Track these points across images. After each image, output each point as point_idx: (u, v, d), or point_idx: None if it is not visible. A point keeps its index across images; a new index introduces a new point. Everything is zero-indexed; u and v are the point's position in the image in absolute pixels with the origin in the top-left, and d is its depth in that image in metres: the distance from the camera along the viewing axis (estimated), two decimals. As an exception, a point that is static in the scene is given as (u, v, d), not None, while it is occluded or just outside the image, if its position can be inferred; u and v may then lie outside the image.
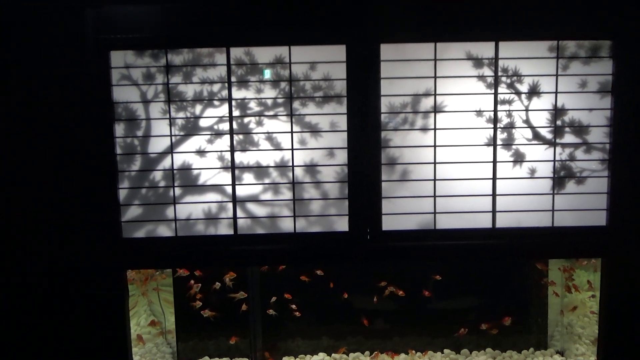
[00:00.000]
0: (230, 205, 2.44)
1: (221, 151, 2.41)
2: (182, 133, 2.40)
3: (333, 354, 2.90)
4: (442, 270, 2.85)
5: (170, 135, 2.39)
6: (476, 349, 2.93)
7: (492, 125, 2.42)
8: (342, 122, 2.41)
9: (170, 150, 2.40)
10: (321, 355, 2.90)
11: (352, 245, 2.46)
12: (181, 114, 2.39)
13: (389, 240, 2.46)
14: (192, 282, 2.77)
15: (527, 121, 2.43)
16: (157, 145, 2.40)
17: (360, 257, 2.49)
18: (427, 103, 2.41)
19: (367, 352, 2.92)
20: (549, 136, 2.44)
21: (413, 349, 2.91)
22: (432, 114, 2.42)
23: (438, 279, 2.83)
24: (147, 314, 3.19)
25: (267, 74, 2.37)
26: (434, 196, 2.45)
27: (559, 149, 2.45)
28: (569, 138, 2.44)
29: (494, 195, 2.46)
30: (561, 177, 2.46)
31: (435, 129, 2.42)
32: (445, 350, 2.92)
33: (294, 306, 2.81)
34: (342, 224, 2.46)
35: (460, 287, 2.90)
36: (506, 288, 2.92)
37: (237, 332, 2.82)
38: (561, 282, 3.00)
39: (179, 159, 2.41)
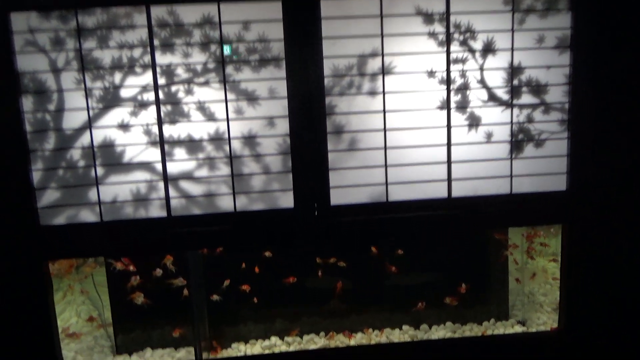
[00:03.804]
0: (161, 185, 2.20)
1: (147, 124, 2.16)
2: (100, 105, 2.13)
3: (286, 338, 2.74)
4: (397, 244, 2.70)
5: (88, 109, 2.12)
6: (436, 323, 2.81)
7: (445, 87, 2.24)
8: (282, 88, 2.18)
9: (89, 125, 2.13)
10: (273, 339, 2.73)
11: (299, 222, 2.27)
12: (98, 84, 2.11)
13: (339, 215, 2.27)
14: (131, 267, 2.54)
15: (482, 81, 2.25)
16: (73, 120, 2.13)
17: (308, 235, 2.30)
18: (374, 64, 2.20)
19: (322, 333, 2.77)
20: (505, 97, 2.27)
21: (370, 327, 2.78)
22: (380, 76, 2.21)
23: (399, 254, 2.68)
24: (86, 305, 2.96)
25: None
26: (385, 166, 2.27)
27: (516, 111, 2.29)
28: (526, 98, 2.28)
29: (449, 162, 2.29)
30: (519, 140, 2.31)
31: (384, 92, 2.22)
32: (404, 327, 2.80)
33: (245, 289, 2.61)
34: (286, 200, 2.26)
35: (417, 261, 2.76)
36: (465, 259, 2.79)
37: (180, 321, 2.62)
38: (522, 249, 2.90)
39: (99, 135, 2.14)
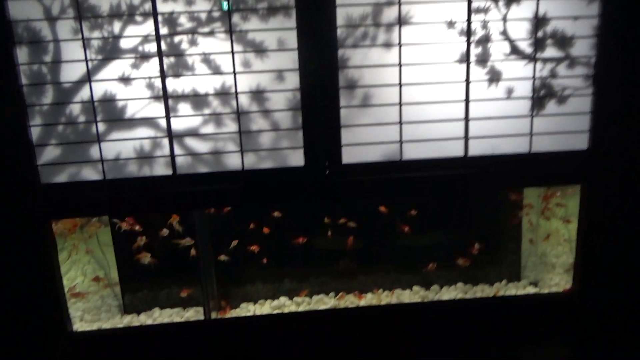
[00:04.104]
0: (165, 141, 2.11)
1: (150, 77, 2.04)
2: (100, 57, 2.01)
3: (295, 298, 2.71)
4: (410, 203, 2.62)
5: (86, 60, 2.00)
6: (447, 284, 2.78)
7: (465, 39, 2.10)
8: (292, 39, 2.05)
9: (88, 77, 2.01)
10: (282, 299, 2.70)
11: (309, 181, 2.18)
12: (97, 34, 1.98)
13: (350, 174, 2.19)
14: (136, 227, 2.48)
15: (504, 33, 2.12)
16: (71, 72, 2.01)
17: (319, 194, 2.21)
18: (390, 14, 2.06)
19: (332, 294, 2.74)
20: (528, 50, 2.14)
21: (380, 288, 2.74)
22: (397, 27, 2.07)
23: (411, 214, 2.61)
24: (91, 265, 2.92)
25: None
26: (400, 123, 2.16)
27: (539, 65, 2.16)
28: (550, 52, 2.15)
29: (466, 119, 2.19)
30: (541, 96, 2.19)
31: (400, 44, 2.09)
32: (414, 287, 2.76)
33: (254, 250, 2.56)
34: (296, 158, 2.17)
35: (429, 221, 2.69)
36: (478, 219, 2.72)
37: (189, 281, 2.58)
38: (537, 209, 2.82)
39: (99, 89, 2.03)
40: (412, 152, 2.20)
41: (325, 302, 2.69)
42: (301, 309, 2.66)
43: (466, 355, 2.28)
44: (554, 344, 2.39)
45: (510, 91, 2.18)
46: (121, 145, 2.09)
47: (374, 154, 2.19)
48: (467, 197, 2.68)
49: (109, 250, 2.64)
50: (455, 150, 2.22)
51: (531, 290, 2.73)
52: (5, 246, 2.12)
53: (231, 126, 2.12)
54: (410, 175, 2.22)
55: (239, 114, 2.11)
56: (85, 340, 2.33)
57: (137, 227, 2.47)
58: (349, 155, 2.18)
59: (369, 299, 2.70)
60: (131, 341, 2.35)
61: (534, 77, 2.17)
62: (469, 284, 2.78)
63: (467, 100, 2.17)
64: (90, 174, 2.10)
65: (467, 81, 2.15)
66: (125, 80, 2.03)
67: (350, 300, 2.69)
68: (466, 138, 2.21)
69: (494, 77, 2.16)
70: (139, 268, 2.50)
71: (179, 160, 2.13)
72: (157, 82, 2.04)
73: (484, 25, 2.10)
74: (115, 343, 2.34)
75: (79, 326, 2.54)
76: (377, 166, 2.20)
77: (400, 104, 2.15)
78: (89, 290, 2.82)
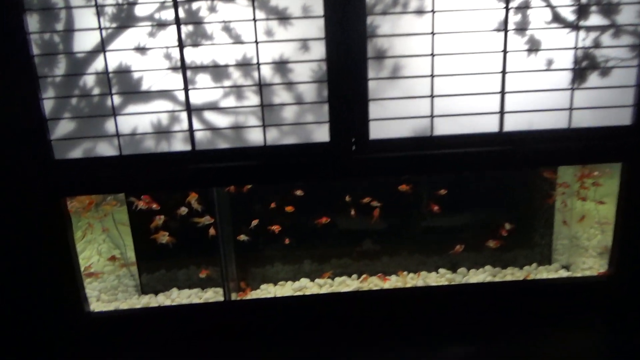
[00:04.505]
0: (184, 115, 2.00)
1: (167, 47, 1.93)
2: (114, 25, 1.89)
3: (317, 280, 2.62)
4: (437, 182, 2.51)
5: (100, 29, 1.89)
6: (474, 267, 2.67)
7: (504, 5, 1.96)
8: (318, 5, 1.92)
9: (102, 47, 1.91)
10: (303, 281, 2.62)
11: (335, 157, 2.08)
12: (111, 0, 1.87)
13: (378, 150, 2.08)
14: (153, 206, 2.39)
15: (546, -2, 1.97)
16: (84, 41, 1.90)
17: (344, 172, 2.11)
18: (423, -22, 1.92)
19: (354, 276, 2.64)
20: (571, 17, 1.99)
21: (405, 270, 2.64)
22: (430, -8, 1.94)
23: (441, 194, 2.49)
24: (107, 244, 2.85)
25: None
26: (431, 96, 2.04)
27: (582, 34, 2.01)
28: (594, 19, 2.00)
29: (502, 93, 2.05)
30: (582, 68, 2.05)
31: (433, 11, 1.95)
32: (440, 270, 2.66)
33: (275, 230, 2.47)
34: (321, 134, 2.06)
35: (457, 200, 2.56)
36: (508, 199, 2.60)
37: (208, 261, 2.50)
38: (571, 189, 2.68)
39: (113, 59, 1.92)
40: (444, 128, 2.08)
41: (348, 284, 2.60)
42: (323, 290, 2.57)
43: (495, 341, 2.18)
44: (588, 329, 2.29)
45: (550, 62, 2.04)
46: (138, 120, 1.99)
47: (403, 130, 2.07)
48: (497, 175, 2.55)
49: (125, 229, 2.57)
50: (489, 125, 2.09)
51: (563, 273, 2.61)
52: (18, 225, 2.05)
53: (253, 99, 2.01)
54: (441, 152, 2.10)
55: (261, 87, 1.99)
56: (102, 320, 2.26)
57: (154, 205, 2.39)
58: (377, 131, 2.06)
59: (393, 282, 2.60)
60: (149, 322, 2.28)
61: (575, 47, 2.03)
62: (497, 266, 2.67)
63: (503, 72, 2.03)
64: (106, 149, 2.01)
65: (504, 51, 2.01)
66: (141, 50, 1.92)
67: (374, 283, 2.60)
68: (502, 112, 2.07)
69: (533, 46, 2.02)
70: (157, 247, 2.43)
71: (198, 135, 2.02)
72: (175, 52, 1.93)
73: (525, -11, 1.95)
74: (132, 324, 2.28)
75: (95, 306, 2.49)
76: (406, 142, 2.08)
77: (432, 76, 2.02)
78: (105, 270, 2.76)
